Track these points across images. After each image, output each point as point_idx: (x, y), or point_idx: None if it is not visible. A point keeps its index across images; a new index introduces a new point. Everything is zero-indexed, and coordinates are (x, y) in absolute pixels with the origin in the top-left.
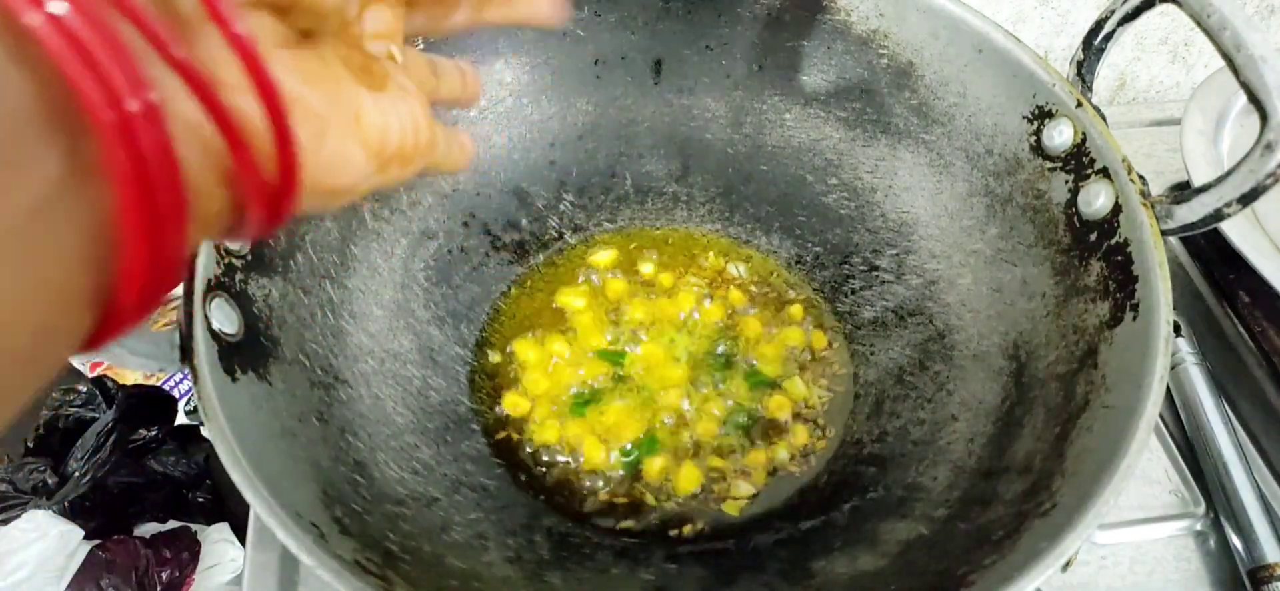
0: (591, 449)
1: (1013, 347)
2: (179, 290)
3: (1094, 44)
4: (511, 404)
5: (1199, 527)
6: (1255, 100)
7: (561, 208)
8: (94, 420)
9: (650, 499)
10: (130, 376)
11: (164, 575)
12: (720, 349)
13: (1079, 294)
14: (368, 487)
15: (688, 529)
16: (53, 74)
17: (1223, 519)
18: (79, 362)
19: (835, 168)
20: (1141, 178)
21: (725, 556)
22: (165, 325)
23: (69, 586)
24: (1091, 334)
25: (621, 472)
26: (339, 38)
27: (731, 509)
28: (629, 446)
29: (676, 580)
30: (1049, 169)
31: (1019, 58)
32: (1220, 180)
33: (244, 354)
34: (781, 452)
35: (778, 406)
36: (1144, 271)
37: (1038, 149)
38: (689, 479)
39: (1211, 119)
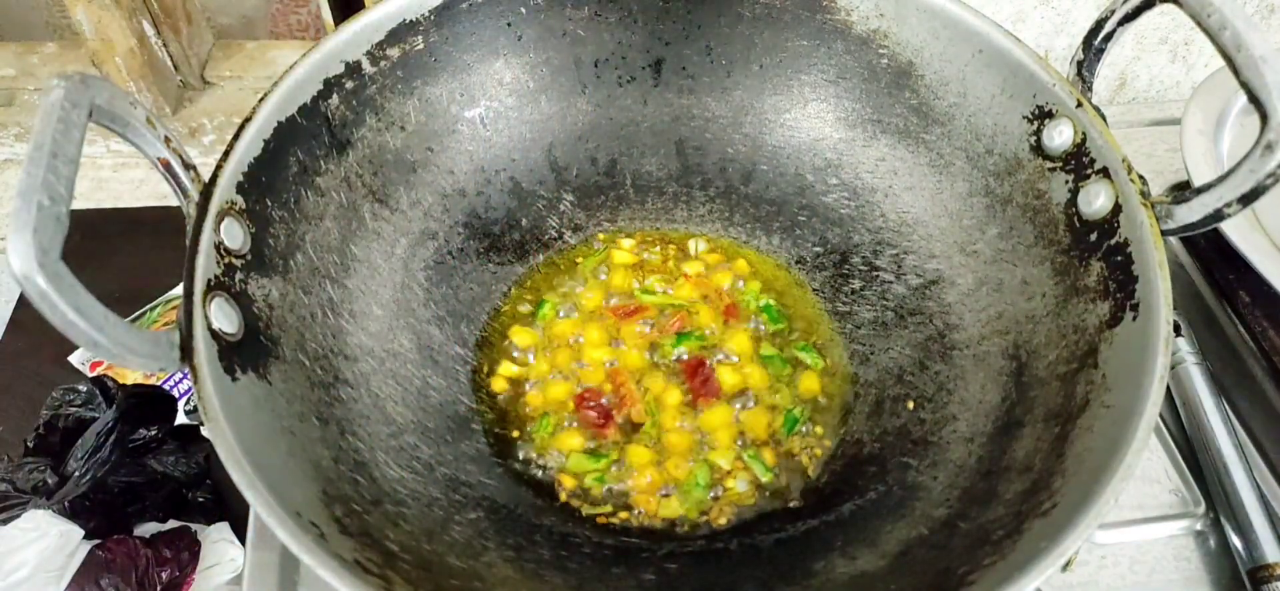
0: (587, 458)
1: (1013, 347)
2: (179, 289)
3: (1094, 43)
4: (499, 384)
5: (1199, 527)
6: (1255, 100)
7: (561, 208)
8: (94, 420)
9: (650, 502)
10: (130, 376)
11: (164, 575)
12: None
13: (1079, 294)
14: (368, 487)
15: (687, 528)
16: None
17: (1223, 519)
18: (78, 362)
19: (835, 168)
20: (1141, 178)
21: (725, 556)
22: (165, 325)
23: (69, 586)
24: (1091, 334)
25: (621, 476)
26: None
27: (718, 518)
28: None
29: (676, 580)
30: (1049, 169)
31: (1019, 57)
32: (1220, 180)
33: (244, 354)
34: (778, 462)
35: (766, 416)
36: (1144, 271)
37: (1038, 149)
38: (688, 483)
39: (1211, 119)
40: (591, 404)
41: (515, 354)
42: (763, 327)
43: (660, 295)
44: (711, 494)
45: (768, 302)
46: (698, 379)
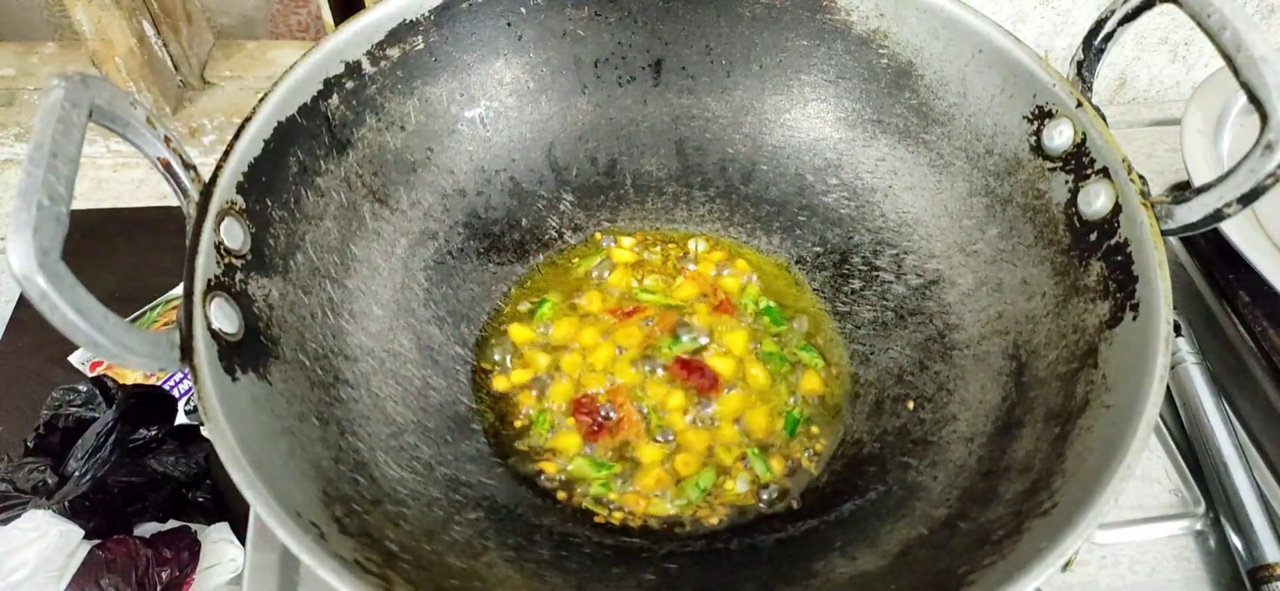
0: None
1: (1013, 347)
2: (179, 289)
3: (1094, 43)
4: (499, 383)
5: (1199, 527)
6: (1255, 100)
7: (561, 208)
8: (94, 420)
9: (649, 502)
10: (130, 376)
11: (164, 575)
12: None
13: (1079, 294)
14: (368, 487)
15: (688, 527)
16: None
17: (1223, 519)
18: (78, 362)
19: (835, 168)
20: (1141, 177)
21: (726, 556)
22: (165, 325)
23: (69, 586)
24: (1091, 334)
25: (620, 476)
26: None
27: (710, 517)
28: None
29: (676, 580)
30: (1049, 169)
31: (1019, 57)
32: (1220, 180)
33: (244, 354)
34: (776, 466)
35: (766, 419)
36: (1144, 271)
37: (1038, 149)
38: (688, 483)
39: (1211, 119)
40: (587, 411)
41: (514, 353)
42: (762, 327)
43: (659, 295)
44: (707, 496)
45: (769, 305)
46: (693, 372)
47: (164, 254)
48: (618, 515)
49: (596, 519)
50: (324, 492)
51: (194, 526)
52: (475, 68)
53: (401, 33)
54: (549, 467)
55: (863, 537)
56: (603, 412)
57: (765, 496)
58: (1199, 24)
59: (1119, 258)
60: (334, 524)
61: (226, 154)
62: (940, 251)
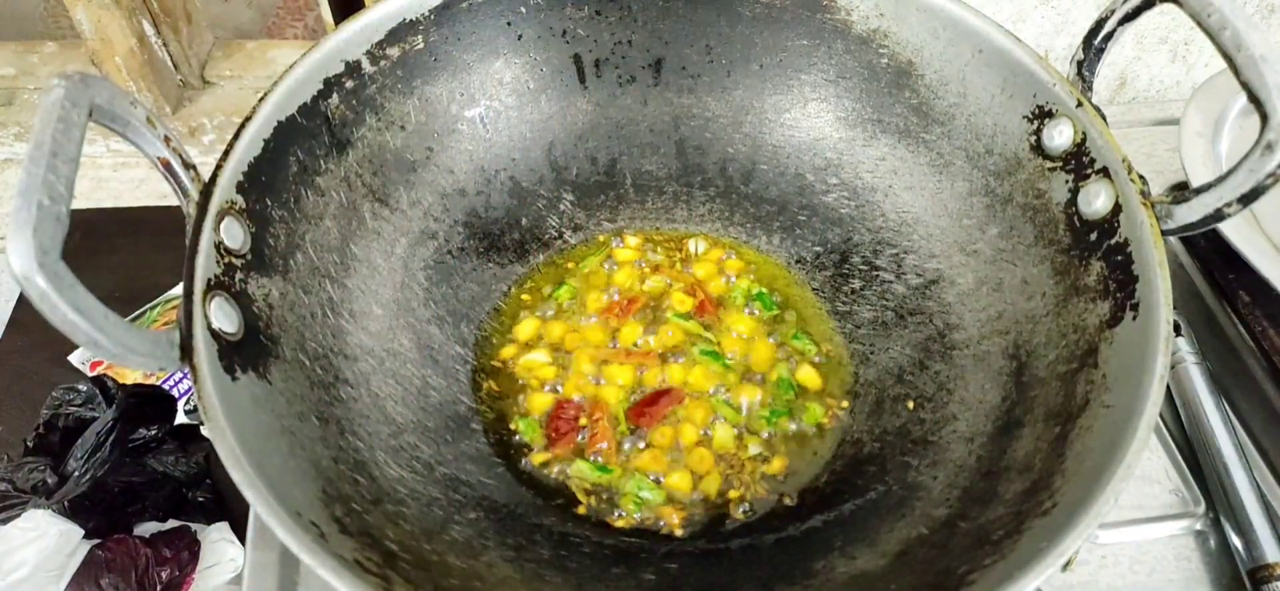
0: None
1: (1013, 347)
2: (179, 289)
3: (1094, 43)
4: (501, 382)
5: (1199, 527)
6: (1255, 100)
7: (561, 207)
8: (94, 420)
9: (650, 502)
10: (130, 376)
11: (164, 574)
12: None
13: (1079, 294)
14: (368, 487)
15: (696, 528)
16: None
17: (1223, 519)
18: (78, 362)
19: (835, 167)
20: (1141, 177)
21: (725, 556)
22: (165, 325)
23: (69, 586)
24: (1091, 333)
25: (621, 475)
26: None
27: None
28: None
29: (676, 580)
30: (1049, 169)
31: (1019, 57)
32: (1220, 180)
33: (244, 353)
34: (777, 465)
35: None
36: (1144, 271)
37: (1038, 148)
38: (687, 482)
39: (1211, 119)
40: (563, 415)
41: (512, 354)
42: (757, 312)
43: (654, 286)
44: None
45: (761, 291)
46: (649, 404)
47: (164, 254)
48: (594, 499)
49: (578, 510)
50: (324, 492)
51: (194, 526)
52: (475, 67)
53: (401, 32)
54: (545, 465)
55: (863, 537)
56: (582, 423)
57: (771, 488)
58: (1199, 24)
59: (1119, 257)
60: (334, 523)
61: (226, 153)
62: (940, 251)
